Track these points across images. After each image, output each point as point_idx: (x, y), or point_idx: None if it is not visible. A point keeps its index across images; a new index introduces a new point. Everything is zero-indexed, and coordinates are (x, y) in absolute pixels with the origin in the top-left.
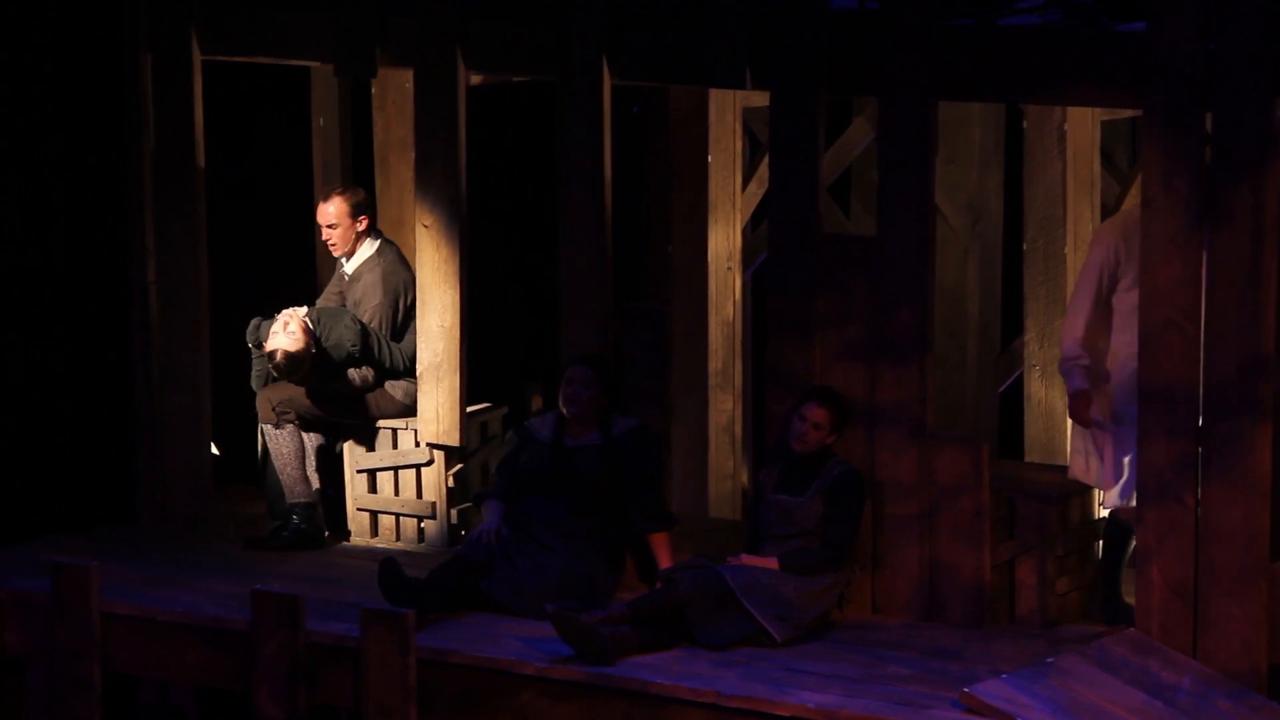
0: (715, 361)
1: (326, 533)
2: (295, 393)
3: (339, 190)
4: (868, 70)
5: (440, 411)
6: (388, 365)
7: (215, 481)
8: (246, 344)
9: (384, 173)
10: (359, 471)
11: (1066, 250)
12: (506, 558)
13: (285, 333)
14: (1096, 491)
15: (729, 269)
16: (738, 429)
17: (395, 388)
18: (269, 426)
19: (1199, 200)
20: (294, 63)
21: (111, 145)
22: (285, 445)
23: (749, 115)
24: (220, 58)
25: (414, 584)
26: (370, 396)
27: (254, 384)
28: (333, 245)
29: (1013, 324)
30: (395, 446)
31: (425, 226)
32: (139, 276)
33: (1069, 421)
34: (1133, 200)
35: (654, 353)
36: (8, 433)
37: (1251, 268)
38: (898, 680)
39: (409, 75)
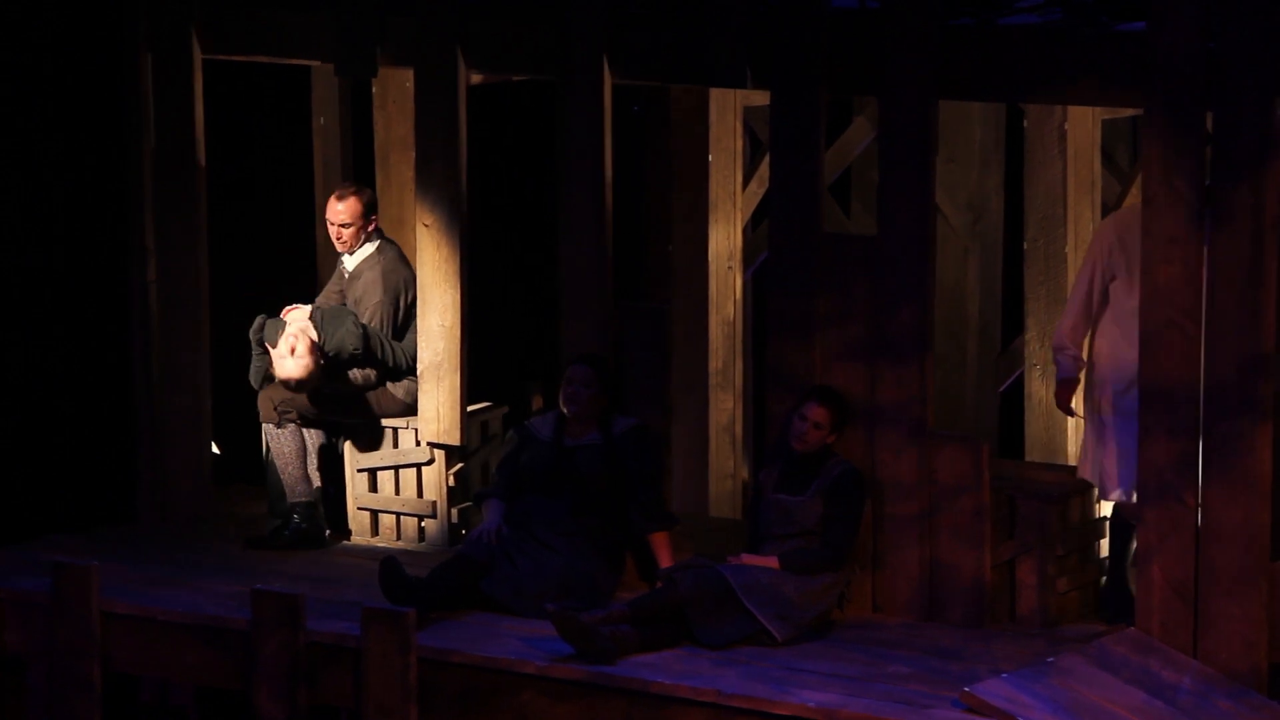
0: (716, 361)
1: (328, 531)
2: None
3: (354, 190)
4: (868, 70)
5: (441, 410)
6: (390, 365)
7: (215, 481)
8: (248, 341)
9: (385, 172)
10: (359, 470)
11: (1067, 249)
12: (507, 557)
13: (293, 358)
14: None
15: (729, 268)
16: (738, 428)
17: (396, 386)
18: (270, 425)
19: (1199, 200)
20: (294, 62)
21: (111, 145)
22: (286, 444)
23: (750, 114)
24: (220, 57)
25: (415, 583)
26: (371, 395)
27: (252, 380)
28: (341, 242)
29: (1013, 323)
30: (396, 445)
31: (426, 226)
32: (139, 276)
33: (1070, 421)
34: (1134, 199)
35: (654, 352)
36: (8, 433)
37: (1251, 268)
38: (898, 680)
39: (409, 74)
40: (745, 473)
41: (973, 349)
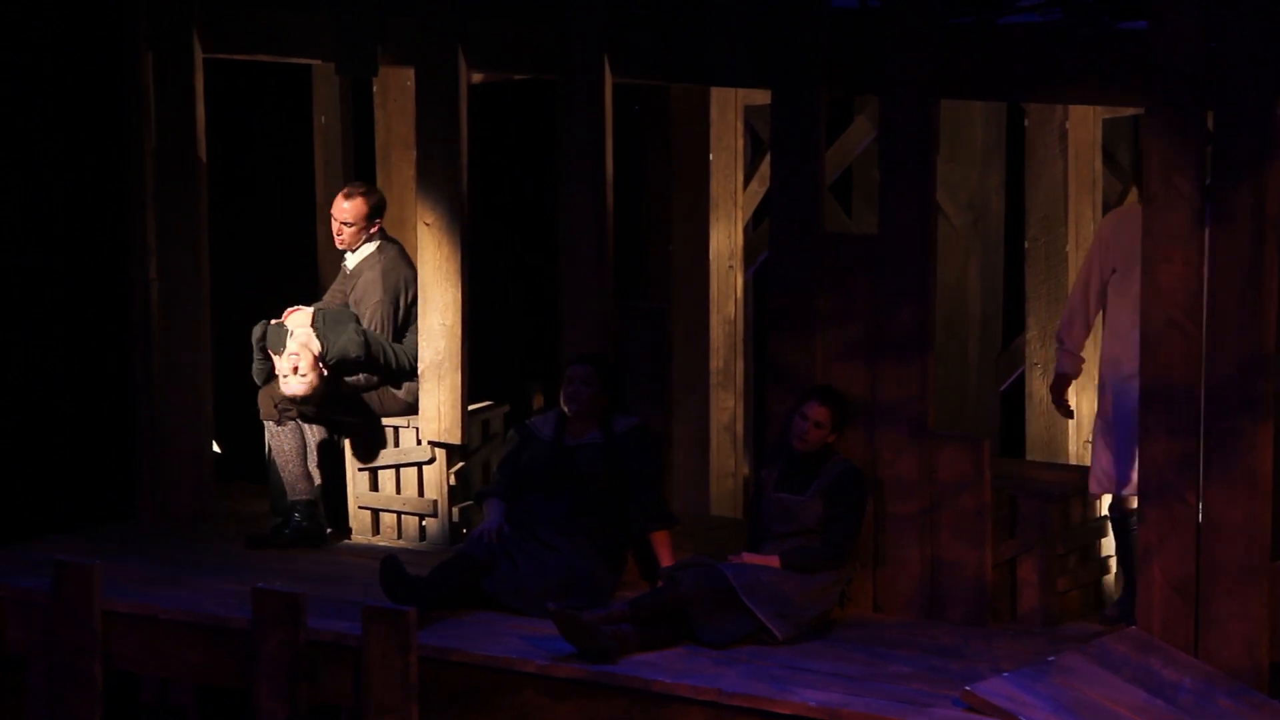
0: (716, 360)
1: (329, 530)
2: None
3: (363, 190)
4: (869, 69)
5: (442, 409)
6: (393, 367)
7: (216, 480)
8: (249, 342)
9: (385, 171)
10: (360, 469)
11: (1068, 249)
12: (508, 556)
13: (296, 377)
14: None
15: (730, 268)
16: (739, 427)
17: (397, 385)
18: (271, 423)
19: (1200, 199)
20: (295, 61)
21: (112, 144)
22: (287, 442)
23: (750, 113)
24: (221, 56)
25: (415, 582)
26: (372, 394)
27: (255, 378)
28: (340, 239)
29: (1014, 322)
30: (397, 444)
31: (426, 225)
32: (140, 275)
33: (1071, 422)
34: (1135, 198)
35: (654, 352)
36: (8, 433)
37: (1251, 267)
38: (899, 678)
39: (410, 73)
40: (746, 471)
41: (974, 348)
